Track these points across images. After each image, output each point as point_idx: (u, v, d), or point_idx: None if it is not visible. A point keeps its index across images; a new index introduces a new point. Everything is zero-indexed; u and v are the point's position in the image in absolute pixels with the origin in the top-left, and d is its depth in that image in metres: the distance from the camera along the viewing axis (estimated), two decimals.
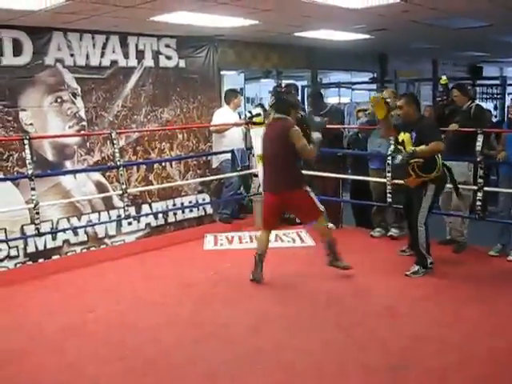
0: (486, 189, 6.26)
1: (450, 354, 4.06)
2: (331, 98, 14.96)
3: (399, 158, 5.64)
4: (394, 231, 7.19)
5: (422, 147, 5.43)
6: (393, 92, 7.49)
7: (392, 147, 6.55)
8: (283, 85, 9.09)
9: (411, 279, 5.59)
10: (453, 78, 14.34)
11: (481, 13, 6.96)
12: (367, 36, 8.82)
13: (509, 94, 13.16)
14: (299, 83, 11.26)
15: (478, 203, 6.24)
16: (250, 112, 8.26)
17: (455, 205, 6.56)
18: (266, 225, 5.82)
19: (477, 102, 7.11)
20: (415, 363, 3.93)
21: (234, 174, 7.99)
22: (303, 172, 6.04)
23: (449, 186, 5.93)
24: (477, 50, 12.36)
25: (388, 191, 6.82)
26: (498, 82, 13.20)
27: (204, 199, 8.46)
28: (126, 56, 7.54)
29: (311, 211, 5.62)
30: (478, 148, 6.14)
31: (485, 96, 13.76)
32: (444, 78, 7.19)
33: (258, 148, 7.95)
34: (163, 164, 8.00)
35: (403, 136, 5.57)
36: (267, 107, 8.91)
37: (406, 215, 6.10)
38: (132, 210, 7.50)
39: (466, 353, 4.08)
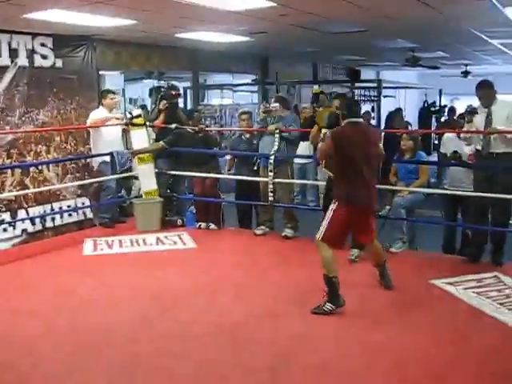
0: None
1: (327, 349, 4.17)
2: (214, 100, 15.04)
3: None
4: (288, 231, 7.27)
5: None
6: (280, 97, 7.77)
7: (276, 147, 6.91)
8: (165, 86, 9.04)
9: (289, 278, 5.68)
10: (333, 81, 14.91)
11: (356, 19, 7.20)
12: (248, 38, 8.90)
13: (384, 96, 13.71)
14: (181, 84, 11.20)
15: None
16: (130, 113, 8.14)
17: None
18: (338, 243, 5.01)
19: None
20: (295, 361, 3.99)
21: (114, 176, 7.78)
22: None
23: None
24: (354, 54, 12.78)
25: (270, 190, 7.00)
26: (374, 84, 13.77)
27: (83, 203, 8.23)
28: None
29: (372, 231, 5.22)
30: None
31: (363, 98, 14.30)
32: (316, 87, 7.48)
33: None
34: (40, 167, 7.70)
35: None
36: (151, 108, 8.89)
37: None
38: (6, 216, 7.19)
39: (343, 348, 4.20)
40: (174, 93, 8.07)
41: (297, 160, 8.34)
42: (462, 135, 6.54)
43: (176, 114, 7.79)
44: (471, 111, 6.26)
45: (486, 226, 6.14)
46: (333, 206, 4.92)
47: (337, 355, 4.11)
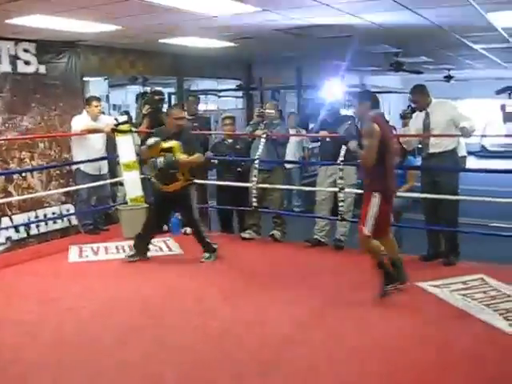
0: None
1: (317, 354, 4.16)
2: (199, 106, 14.99)
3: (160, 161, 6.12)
4: (276, 232, 7.40)
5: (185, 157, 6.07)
6: (275, 105, 8.04)
7: (259, 151, 7.17)
8: (152, 92, 9.03)
9: (274, 284, 5.68)
10: (316, 86, 14.92)
11: (341, 24, 7.21)
12: (232, 44, 8.90)
13: None
14: (166, 90, 11.20)
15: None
16: (116, 119, 8.10)
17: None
18: (384, 233, 5.24)
19: None
20: (285, 366, 3.98)
21: (85, 186, 7.71)
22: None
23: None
24: (339, 59, 12.81)
25: (253, 195, 7.11)
26: (358, 89, 13.84)
27: (68, 210, 8.15)
28: None
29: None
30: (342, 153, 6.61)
31: (347, 103, 14.33)
32: None
33: (123, 156, 7.84)
34: (24, 174, 7.63)
35: (173, 144, 6.11)
36: (136, 115, 8.86)
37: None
38: None
39: (332, 352, 4.19)
40: (157, 97, 8.06)
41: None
42: (401, 139, 6.90)
43: (159, 119, 7.76)
44: (404, 115, 6.44)
45: (436, 226, 6.31)
46: (376, 200, 4.95)
47: (325, 360, 4.10)
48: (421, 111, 6.31)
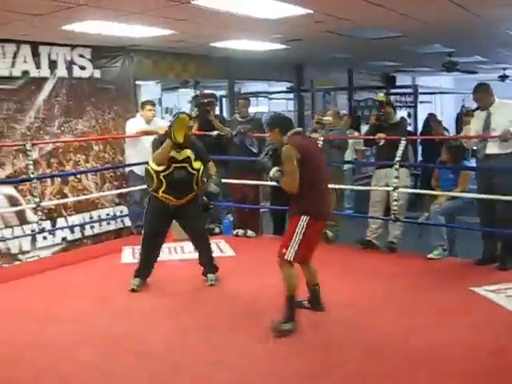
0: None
1: (368, 359, 4.11)
2: (250, 108, 15.02)
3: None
4: (329, 232, 7.34)
5: None
6: (335, 112, 8.22)
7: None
8: (206, 94, 9.07)
9: (327, 285, 5.64)
10: (368, 87, 14.82)
11: (393, 24, 7.15)
12: (284, 46, 8.91)
13: (420, 102, 13.60)
14: (217, 93, 11.25)
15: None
16: (170, 121, 8.17)
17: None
18: (305, 259, 4.81)
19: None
20: (335, 369, 3.95)
21: (138, 188, 7.70)
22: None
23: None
24: (390, 60, 12.69)
25: None
26: (410, 90, 13.67)
27: (122, 211, 8.30)
28: (38, 66, 7.33)
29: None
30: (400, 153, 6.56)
31: (398, 104, 14.19)
32: (381, 94, 7.55)
33: None
34: (79, 176, 7.80)
35: (188, 153, 5.57)
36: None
37: None
38: (47, 224, 7.26)
39: (384, 357, 4.14)
40: (204, 101, 8.10)
41: None
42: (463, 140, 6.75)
43: (208, 121, 7.78)
44: (466, 113, 6.27)
45: (493, 229, 6.14)
46: (302, 223, 4.51)
47: (374, 366, 4.06)
48: (482, 110, 6.17)
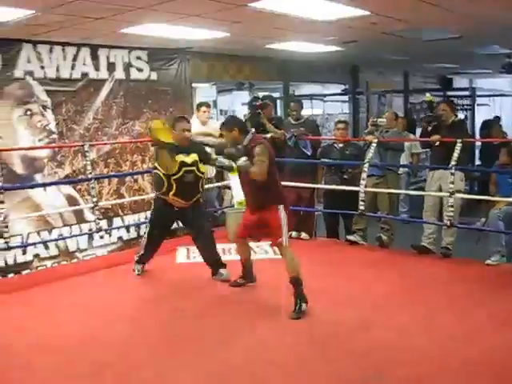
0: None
1: (423, 363, 4.05)
2: (304, 110, 15.01)
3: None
4: (383, 236, 7.31)
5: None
6: (392, 113, 8.05)
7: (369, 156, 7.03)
8: (258, 97, 9.09)
9: (381, 289, 5.59)
10: (424, 90, 14.60)
11: (450, 25, 7.04)
12: (338, 48, 8.88)
13: (478, 104, 13.33)
14: (273, 95, 11.27)
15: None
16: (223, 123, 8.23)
17: None
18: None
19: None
20: (388, 373, 3.92)
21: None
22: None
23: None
24: (447, 62, 12.50)
25: (361, 199, 7.00)
26: (467, 93, 13.40)
27: None
28: (97, 68, 7.51)
29: None
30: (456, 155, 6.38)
31: (456, 107, 13.93)
32: (428, 95, 7.42)
33: None
34: (135, 177, 7.93)
35: (195, 157, 5.76)
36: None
37: None
38: (104, 224, 7.40)
39: (440, 363, 4.08)
40: (257, 103, 8.12)
41: None
42: None
43: (260, 124, 7.78)
44: None
45: None
46: (281, 212, 5.13)
47: (429, 369, 4.00)
48: None
